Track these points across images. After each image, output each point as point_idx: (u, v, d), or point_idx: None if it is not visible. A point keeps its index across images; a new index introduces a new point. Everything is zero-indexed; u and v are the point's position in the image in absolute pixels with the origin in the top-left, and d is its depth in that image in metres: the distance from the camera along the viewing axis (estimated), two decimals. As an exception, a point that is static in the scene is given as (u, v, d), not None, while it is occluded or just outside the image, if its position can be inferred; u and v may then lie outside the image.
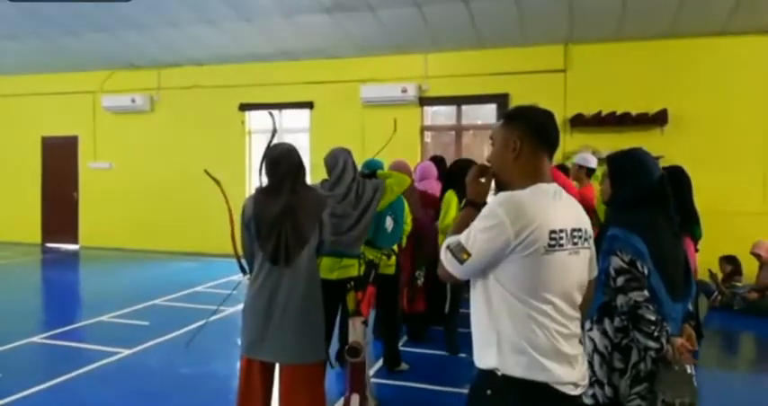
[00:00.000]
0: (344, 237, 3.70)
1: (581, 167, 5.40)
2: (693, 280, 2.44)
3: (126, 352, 4.93)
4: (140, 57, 10.14)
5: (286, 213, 2.85)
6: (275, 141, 3.16)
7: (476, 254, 1.67)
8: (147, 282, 8.18)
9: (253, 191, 3.08)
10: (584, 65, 8.46)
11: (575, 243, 1.73)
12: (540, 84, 8.47)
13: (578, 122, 8.29)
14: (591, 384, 2.32)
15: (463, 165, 4.98)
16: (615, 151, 2.53)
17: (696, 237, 4.84)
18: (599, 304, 2.32)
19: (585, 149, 6.92)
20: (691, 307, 2.43)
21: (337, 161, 3.70)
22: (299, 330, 2.88)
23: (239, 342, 3.02)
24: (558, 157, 7.85)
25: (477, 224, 1.69)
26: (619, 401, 2.27)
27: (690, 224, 4.72)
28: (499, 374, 1.67)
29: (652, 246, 2.23)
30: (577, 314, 1.77)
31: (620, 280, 2.21)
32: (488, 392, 1.69)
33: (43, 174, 11.65)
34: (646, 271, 2.21)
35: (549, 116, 1.84)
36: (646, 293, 2.18)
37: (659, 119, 7.93)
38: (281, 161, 2.95)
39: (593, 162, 5.44)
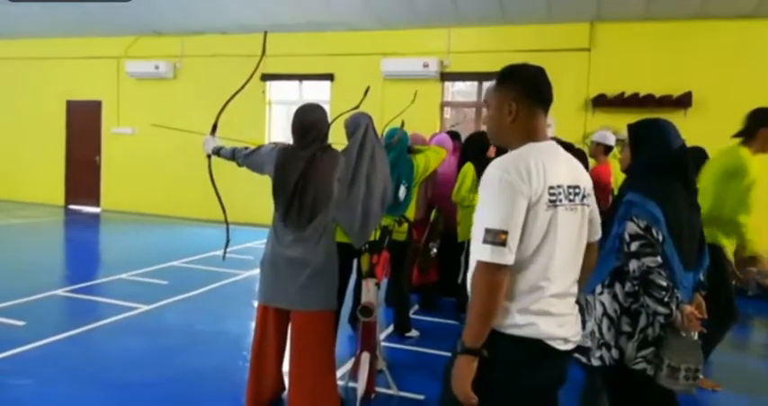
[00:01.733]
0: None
1: (599, 144, 5.38)
2: (706, 251, 2.45)
3: (144, 308, 5.08)
4: (165, 23, 10.18)
5: (303, 180, 2.94)
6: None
7: (511, 227, 1.59)
8: (167, 245, 8.35)
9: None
10: (609, 44, 8.33)
11: (571, 200, 1.72)
12: (564, 63, 8.36)
13: (601, 102, 8.21)
14: (598, 346, 2.37)
15: (479, 138, 5.02)
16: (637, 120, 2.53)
17: (713, 218, 4.83)
18: (611, 268, 2.35)
19: (605, 128, 6.86)
20: (702, 277, 2.45)
21: (359, 125, 3.67)
22: (312, 282, 2.99)
23: (257, 290, 3.13)
24: (578, 137, 7.81)
25: (490, 201, 1.63)
26: (624, 363, 2.31)
27: (707, 205, 4.72)
28: (493, 328, 1.68)
29: (668, 213, 2.24)
30: (574, 274, 1.78)
31: (635, 245, 2.23)
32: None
33: (67, 138, 11.83)
34: (660, 238, 2.22)
35: (540, 72, 1.81)
36: (659, 259, 2.20)
37: (683, 101, 7.83)
38: (311, 129, 3.01)
39: (611, 139, 5.41)
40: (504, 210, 1.60)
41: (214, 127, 3.44)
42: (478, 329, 1.63)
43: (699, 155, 4.50)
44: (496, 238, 1.59)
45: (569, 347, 1.76)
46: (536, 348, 1.68)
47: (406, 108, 4.90)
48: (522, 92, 1.76)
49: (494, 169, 1.67)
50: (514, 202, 1.60)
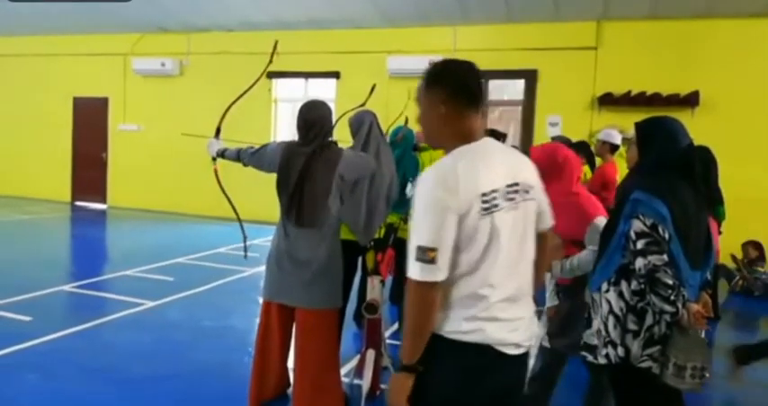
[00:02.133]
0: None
1: (605, 143, 5.36)
2: (713, 250, 2.45)
3: (150, 304, 5.10)
4: (171, 20, 10.20)
5: (303, 176, 2.95)
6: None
7: (441, 244, 1.56)
8: (172, 242, 8.38)
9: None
10: (616, 43, 8.30)
11: (510, 199, 1.66)
12: (570, 61, 8.35)
13: (607, 101, 8.19)
14: (604, 344, 2.36)
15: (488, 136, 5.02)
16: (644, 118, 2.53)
17: (719, 218, 4.82)
18: (617, 266, 2.34)
19: (611, 127, 6.85)
20: (709, 276, 2.44)
21: (363, 123, 3.68)
22: (317, 279, 2.99)
23: (262, 286, 3.15)
24: (584, 136, 7.79)
25: (420, 218, 1.60)
26: (630, 361, 2.31)
27: (714, 204, 4.70)
28: (437, 332, 1.66)
29: (675, 212, 2.23)
30: (525, 274, 1.74)
31: (641, 243, 2.22)
32: (428, 345, 1.68)
33: (74, 134, 11.89)
34: (667, 236, 2.21)
35: (469, 70, 1.72)
36: (665, 257, 2.19)
37: (690, 100, 7.80)
38: (314, 125, 3.02)
39: (617, 138, 5.40)
40: (433, 227, 1.56)
41: (218, 130, 3.45)
42: (412, 346, 1.62)
43: (706, 156, 4.48)
44: (425, 255, 1.55)
45: (521, 351, 1.71)
46: (484, 354, 1.64)
47: (404, 107, 4.84)
48: (452, 93, 1.69)
49: (422, 183, 1.63)
50: (443, 218, 1.56)
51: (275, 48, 3.66)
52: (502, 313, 1.65)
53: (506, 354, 1.66)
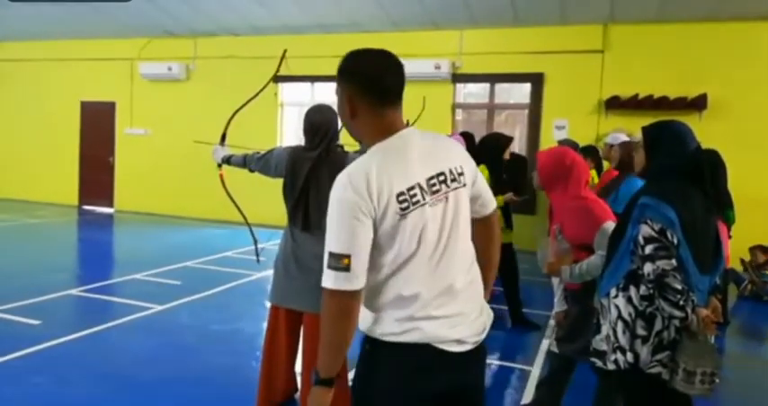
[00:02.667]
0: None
1: (612, 146, 5.34)
2: (723, 254, 2.44)
3: (158, 308, 5.12)
4: (177, 25, 10.25)
5: (308, 180, 2.96)
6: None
7: (354, 251, 1.48)
8: (179, 246, 8.41)
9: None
10: (623, 46, 8.28)
11: (435, 191, 1.58)
12: (577, 65, 8.34)
13: (614, 104, 8.16)
14: (613, 350, 2.35)
15: (494, 140, 5.02)
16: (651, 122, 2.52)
17: (729, 222, 4.80)
18: (626, 271, 2.34)
19: (619, 130, 6.83)
20: (718, 281, 2.43)
21: None
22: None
23: (269, 290, 3.16)
24: (591, 139, 7.78)
25: (333, 223, 1.51)
26: (639, 367, 2.30)
27: (723, 208, 4.68)
28: (372, 335, 1.63)
29: (683, 216, 2.22)
30: (462, 266, 1.65)
31: (649, 248, 2.22)
32: (366, 350, 1.67)
33: (81, 138, 11.94)
34: (675, 241, 2.21)
35: (381, 62, 1.61)
36: (674, 262, 2.18)
37: (698, 103, 7.77)
38: (320, 129, 3.03)
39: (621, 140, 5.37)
40: (346, 232, 1.48)
41: (223, 137, 3.49)
42: (330, 359, 1.56)
43: (714, 160, 4.47)
44: (339, 263, 1.47)
45: (466, 348, 1.63)
46: (423, 353, 1.57)
47: (418, 116, 4.89)
48: (360, 88, 1.59)
49: (335, 186, 1.54)
50: (355, 223, 1.48)
51: (284, 56, 3.69)
52: (437, 310, 1.58)
53: (448, 351, 1.59)
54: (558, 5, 7.94)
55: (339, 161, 3.03)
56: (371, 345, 1.63)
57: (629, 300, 2.34)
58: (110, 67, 11.40)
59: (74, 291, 5.56)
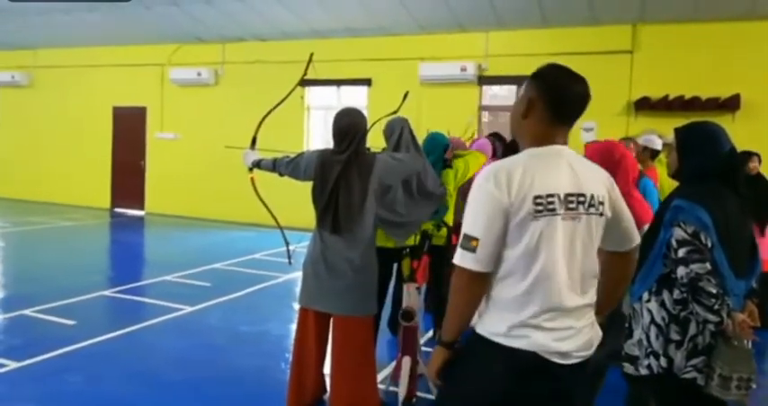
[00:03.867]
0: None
1: (645, 149, 5.26)
2: (759, 258, 2.38)
3: (189, 309, 5.20)
4: (207, 31, 10.42)
5: (338, 183, 2.99)
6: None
7: (483, 235, 1.60)
8: (209, 248, 8.53)
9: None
10: (652, 46, 8.16)
11: (571, 209, 1.64)
12: (606, 65, 8.23)
13: (644, 105, 8.04)
14: (646, 355, 2.32)
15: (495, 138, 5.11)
16: (684, 124, 2.48)
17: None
18: (658, 275, 2.30)
19: (651, 132, 6.71)
20: (755, 284, 2.38)
21: (394, 129, 3.71)
22: (352, 286, 3.02)
23: (298, 292, 3.19)
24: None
25: (470, 207, 1.65)
26: (673, 372, 2.26)
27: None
28: (480, 331, 1.69)
29: (717, 219, 2.18)
30: (581, 287, 1.69)
31: (682, 251, 2.18)
32: (470, 344, 1.73)
33: (113, 143, 12.22)
34: (709, 244, 2.17)
35: (577, 87, 1.71)
36: (708, 265, 2.14)
37: (731, 104, 7.61)
38: (348, 133, 3.05)
39: (658, 143, 5.28)
40: (479, 218, 1.62)
41: (254, 141, 3.53)
42: (450, 325, 1.71)
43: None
44: (468, 244, 1.62)
45: (572, 361, 1.67)
46: (527, 360, 1.62)
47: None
48: (543, 94, 1.69)
49: (479, 176, 1.68)
50: (489, 211, 1.61)
51: (311, 59, 3.73)
52: (548, 322, 1.63)
53: (552, 362, 1.64)
54: (586, 6, 7.86)
55: (368, 163, 3.05)
56: (477, 341, 1.70)
57: (663, 304, 2.30)
58: (141, 73, 11.65)
59: (107, 292, 5.68)
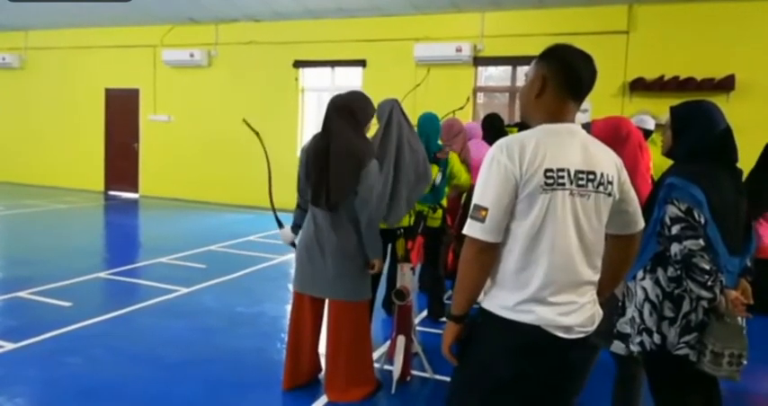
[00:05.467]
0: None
1: (638, 129, 5.25)
2: (754, 236, 2.39)
3: (184, 290, 5.21)
4: (199, 11, 10.29)
5: (324, 155, 2.98)
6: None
7: (492, 205, 1.62)
8: (203, 230, 8.51)
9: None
10: (648, 26, 8.11)
11: (581, 186, 1.65)
12: (601, 46, 8.10)
13: (639, 86, 8.02)
14: (639, 332, 2.34)
15: (494, 120, 5.41)
16: (679, 102, 2.47)
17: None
18: (653, 253, 2.31)
19: (643, 112, 6.71)
20: (749, 263, 2.39)
21: (383, 111, 3.68)
22: (345, 270, 3.02)
23: (292, 274, 3.20)
24: (615, 122, 7.64)
25: (482, 178, 1.66)
26: (666, 349, 2.28)
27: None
28: (487, 310, 1.72)
29: (711, 196, 2.18)
30: (586, 262, 1.70)
31: (676, 228, 2.18)
32: (477, 321, 1.76)
33: (106, 125, 12.12)
34: (702, 220, 2.17)
35: (583, 58, 1.72)
36: (701, 242, 2.15)
37: (725, 85, 7.60)
38: (332, 113, 3.07)
39: (650, 123, 5.29)
40: (489, 188, 1.63)
41: (279, 222, 3.61)
42: (460, 298, 1.72)
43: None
44: (478, 214, 1.63)
45: (575, 336, 1.68)
46: (533, 334, 1.65)
47: (468, 99, 4.83)
48: (555, 71, 1.71)
49: (492, 147, 1.68)
50: (500, 182, 1.62)
51: (248, 124, 3.82)
52: (553, 296, 1.65)
53: (558, 336, 1.66)
54: (582, -15, 7.79)
55: (359, 157, 3.03)
56: (484, 316, 1.73)
57: (657, 282, 2.31)
58: (133, 54, 11.52)
59: (102, 274, 5.68)
